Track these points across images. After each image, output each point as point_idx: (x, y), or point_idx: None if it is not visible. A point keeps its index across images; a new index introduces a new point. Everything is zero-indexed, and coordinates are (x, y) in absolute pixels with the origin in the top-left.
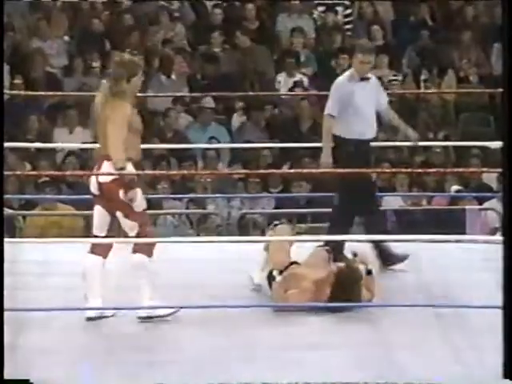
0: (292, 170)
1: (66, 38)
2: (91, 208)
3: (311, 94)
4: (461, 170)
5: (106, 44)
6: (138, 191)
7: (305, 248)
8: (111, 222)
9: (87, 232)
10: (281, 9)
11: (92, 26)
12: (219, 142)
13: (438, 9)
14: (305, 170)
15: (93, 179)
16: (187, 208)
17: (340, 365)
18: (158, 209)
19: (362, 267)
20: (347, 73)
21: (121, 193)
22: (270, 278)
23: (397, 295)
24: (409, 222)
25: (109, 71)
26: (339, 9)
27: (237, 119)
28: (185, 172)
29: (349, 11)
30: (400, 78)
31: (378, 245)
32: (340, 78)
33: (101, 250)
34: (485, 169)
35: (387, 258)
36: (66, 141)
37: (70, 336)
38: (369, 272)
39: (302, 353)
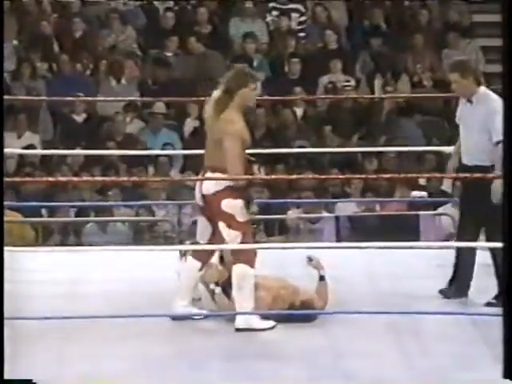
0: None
1: (15, 41)
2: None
3: (264, 100)
4: (416, 175)
5: (54, 48)
6: (240, 202)
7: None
8: (213, 232)
9: (37, 241)
10: (233, 13)
11: (41, 30)
12: (174, 149)
13: (391, 14)
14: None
15: (197, 191)
16: (138, 215)
17: (293, 375)
18: (109, 216)
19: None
20: None
21: (223, 204)
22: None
23: (351, 303)
24: (363, 229)
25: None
26: (293, 13)
27: (189, 125)
28: (137, 179)
29: (303, 16)
30: (353, 82)
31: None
32: None
33: (202, 257)
34: (439, 174)
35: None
36: (14, 146)
37: None
38: (321, 278)
39: (254, 362)
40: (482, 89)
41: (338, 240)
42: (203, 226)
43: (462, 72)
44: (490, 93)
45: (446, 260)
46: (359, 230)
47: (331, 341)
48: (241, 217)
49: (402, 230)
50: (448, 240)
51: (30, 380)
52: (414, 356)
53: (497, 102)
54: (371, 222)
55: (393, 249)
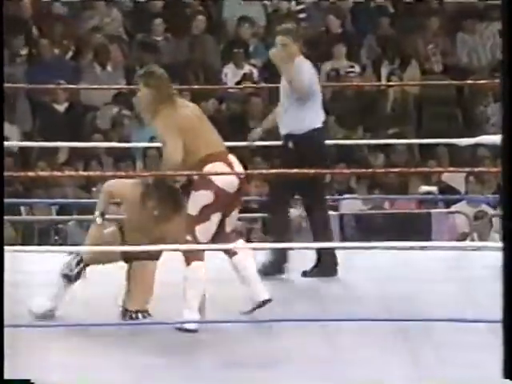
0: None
1: None
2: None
3: (261, 88)
4: (428, 170)
5: (33, 31)
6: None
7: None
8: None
9: (17, 240)
10: None
11: (19, 12)
12: None
13: None
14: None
15: (230, 177)
16: None
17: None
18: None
19: None
20: None
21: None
22: None
23: (355, 308)
24: (369, 228)
25: None
26: None
27: None
28: (124, 173)
29: None
30: (358, 69)
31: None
32: None
33: (201, 255)
34: (453, 168)
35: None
36: None
37: None
38: None
39: (244, 372)
40: (301, 57)
41: (343, 240)
42: (213, 224)
43: (293, 36)
44: (305, 60)
45: (458, 261)
46: (365, 230)
47: (335, 348)
48: None
49: (413, 229)
50: (463, 240)
51: (28, 380)
52: (422, 365)
53: (303, 65)
54: (378, 221)
55: (401, 249)
